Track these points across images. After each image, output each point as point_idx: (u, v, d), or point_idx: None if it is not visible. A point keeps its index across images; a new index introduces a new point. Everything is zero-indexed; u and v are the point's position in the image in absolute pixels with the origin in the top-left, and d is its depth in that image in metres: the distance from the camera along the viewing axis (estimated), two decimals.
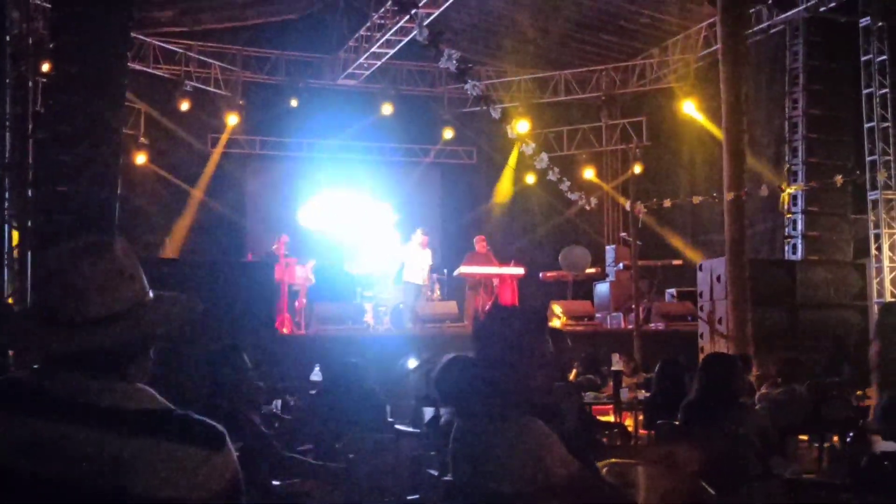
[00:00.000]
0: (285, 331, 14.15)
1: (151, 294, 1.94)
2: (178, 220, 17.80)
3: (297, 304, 15.05)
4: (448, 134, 19.60)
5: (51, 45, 10.93)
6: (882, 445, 5.85)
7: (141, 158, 17.44)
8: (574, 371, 10.36)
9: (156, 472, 1.77)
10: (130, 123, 16.56)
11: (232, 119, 18.03)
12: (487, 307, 13.51)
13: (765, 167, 16.06)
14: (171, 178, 17.93)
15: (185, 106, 17.53)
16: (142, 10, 14.66)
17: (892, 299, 13.76)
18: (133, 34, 15.28)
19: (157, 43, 17.54)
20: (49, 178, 10.62)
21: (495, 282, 15.74)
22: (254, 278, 12.05)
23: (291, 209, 19.09)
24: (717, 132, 13.66)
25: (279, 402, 8.75)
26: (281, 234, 15.80)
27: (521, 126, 15.47)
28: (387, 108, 18.85)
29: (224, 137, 18.60)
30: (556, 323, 14.69)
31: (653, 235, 18.63)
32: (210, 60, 18.24)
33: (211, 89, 18.18)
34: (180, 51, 17.87)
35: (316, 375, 9.82)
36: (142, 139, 17.59)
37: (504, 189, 20.68)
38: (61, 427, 1.77)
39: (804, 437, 8.52)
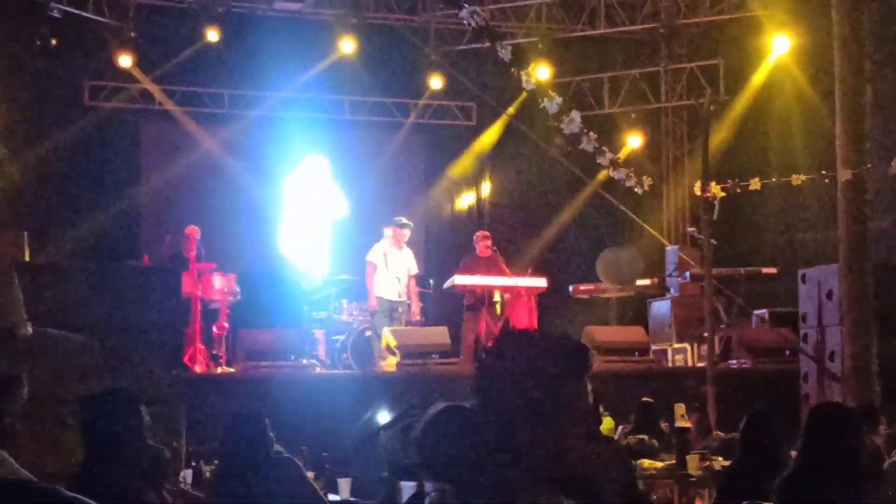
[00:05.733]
0: (198, 369, 14.13)
1: (29, 329, 1.94)
2: (40, 206, 17.70)
3: (214, 329, 15.01)
4: (436, 83, 19.54)
5: None
6: None
7: None
8: (621, 429, 10.36)
9: None
10: None
11: (124, 60, 17.94)
12: (495, 335, 13.48)
13: None
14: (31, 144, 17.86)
15: (51, 41, 17.44)
16: None
17: None
18: None
19: None
20: None
21: (504, 297, 15.71)
22: (151, 292, 11.99)
23: (208, 191, 19.00)
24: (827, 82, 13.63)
25: (189, 473, 8.73)
26: (186, 225, 15.71)
27: (540, 72, 15.44)
28: (347, 45, 18.80)
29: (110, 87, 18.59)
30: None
31: (733, 231, 18.64)
32: None
33: (90, 15, 18.09)
34: None
35: None
36: None
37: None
38: None
39: None
